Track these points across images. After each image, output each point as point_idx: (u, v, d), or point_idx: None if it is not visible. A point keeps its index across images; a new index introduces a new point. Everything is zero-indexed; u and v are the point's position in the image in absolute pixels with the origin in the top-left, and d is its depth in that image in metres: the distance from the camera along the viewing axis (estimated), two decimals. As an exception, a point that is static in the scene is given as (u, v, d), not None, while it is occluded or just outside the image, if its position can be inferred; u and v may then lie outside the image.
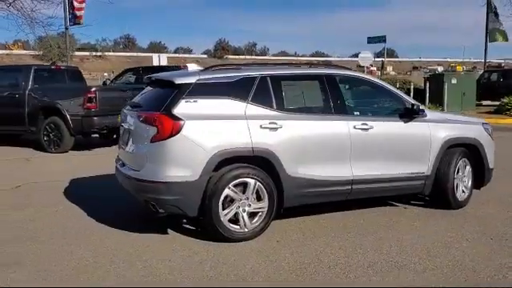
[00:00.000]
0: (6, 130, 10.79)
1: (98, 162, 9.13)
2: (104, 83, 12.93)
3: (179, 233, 4.81)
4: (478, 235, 4.70)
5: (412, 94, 17.71)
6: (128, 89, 10.84)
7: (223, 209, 4.45)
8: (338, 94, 5.03)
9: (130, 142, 4.76)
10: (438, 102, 17.54)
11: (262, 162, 4.57)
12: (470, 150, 5.63)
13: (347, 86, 5.15)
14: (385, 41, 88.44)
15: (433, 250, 4.29)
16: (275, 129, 4.61)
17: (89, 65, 62.31)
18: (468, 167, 5.65)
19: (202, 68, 5.16)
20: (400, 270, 3.88)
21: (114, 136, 11.39)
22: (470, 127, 5.67)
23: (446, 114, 6.32)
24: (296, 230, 4.89)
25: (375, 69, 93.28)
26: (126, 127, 4.93)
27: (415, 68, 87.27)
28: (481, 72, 25.24)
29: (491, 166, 5.78)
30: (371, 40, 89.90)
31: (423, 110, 5.27)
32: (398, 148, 5.21)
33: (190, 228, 4.93)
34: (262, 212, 4.60)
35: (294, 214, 5.09)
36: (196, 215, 4.44)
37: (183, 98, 4.42)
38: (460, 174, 5.54)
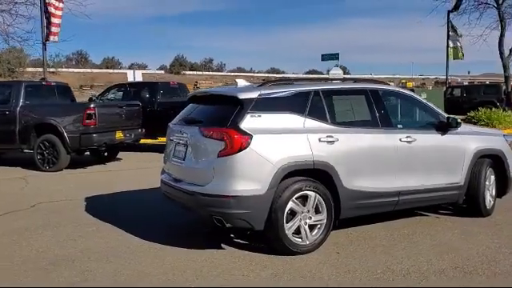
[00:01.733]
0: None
1: (102, 179, 8.93)
2: (90, 99, 12.59)
3: (232, 247, 4.80)
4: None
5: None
6: (124, 105, 10.66)
7: (287, 222, 4.50)
8: (382, 108, 5.22)
9: (190, 157, 4.72)
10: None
11: (320, 175, 4.66)
12: (494, 161, 5.96)
13: (388, 100, 5.36)
14: (338, 58, 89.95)
15: (490, 256, 4.51)
16: (332, 142, 4.72)
17: (42, 81, 60.04)
18: (493, 177, 5.97)
19: (249, 83, 5.22)
20: (472, 275, 4.06)
21: (106, 154, 11.19)
22: (494, 139, 6.03)
23: (473, 127, 6.66)
24: (347, 241, 4.98)
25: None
26: (182, 142, 4.90)
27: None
28: (430, 88, 26.56)
29: (512, 175, 6.14)
30: (325, 57, 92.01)
31: (460, 123, 5.56)
32: (436, 159, 5.45)
33: (240, 242, 4.95)
34: (321, 224, 4.67)
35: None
36: (262, 228, 4.45)
37: (248, 113, 4.46)
38: (487, 183, 5.85)
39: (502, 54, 23.77)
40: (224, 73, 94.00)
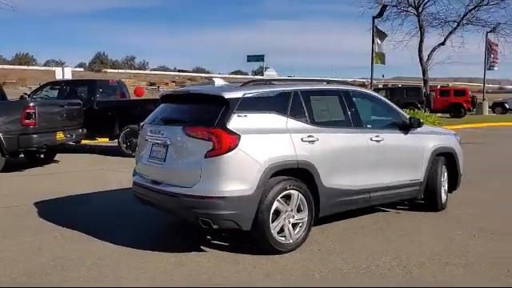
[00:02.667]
0: None
1: (45, 183, 8.36)
2: (21, 97, 11.73)
3: (213, 248, 4.74)
4: (476, 231, 5.37)
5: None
6: (65, 104, 10.07)
7: (272, 221, 4.51)
8: (354, 108, 5.40)
9: (172, 158, 4.58)
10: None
11: (302, 174, 4.73)
12: (447, 158, 6.39)
13: (357, 101, 5.55)
14: (263, 59, 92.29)
15: (458, 247, 4.83)
16: (313, 142, 4.81)
17: None
18: (446, 173, 6.40)
19: (226, 83, 5.15)
20: (448, 265, 4.32)
21: (42, 156, 10.50)
22: (447, 137, 6.46)
23: (429, 126, 7.07)
24: (323, 238, 5.09)
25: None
26: (160, 142, 4.73)
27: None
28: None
29: (461, 172, 6.62)
30: (251, 58, 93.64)
31: (423, 123, 5.90)
32: (401, 158, 5.74)
33: (218, 243, 4.90)
34: (303, 223, 4.74)
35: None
36: (249, 229, 4.43)
37: (235, 113, 4.41)
38: (442, 179, 6.26)
39: (421, 59, 25.54)
40: (147, 71, 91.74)
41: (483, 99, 32.12)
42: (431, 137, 6.15)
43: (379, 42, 25.71)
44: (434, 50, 25.49)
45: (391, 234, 5.29)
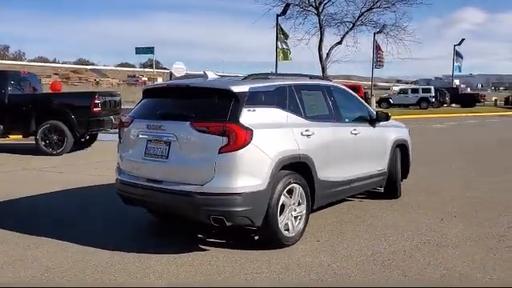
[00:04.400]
0: None
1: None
2: None
3: (210, 246, 4.65)
4: (440, 215, 5.91)
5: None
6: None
7: (279, 215, 4.53)
8: (335, 104, 5.61)
9: (178, 155, 4.34)
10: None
11: (301, 168, 4.80)
12: (401, 149, 6.91)
13: (336, 96, 5.75)
14: (153, 52, 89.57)
15: (432, 230, 5.27)
16: (309, 136, 4.91)
17: None
18: (400, 163, 6.92)
19: (219, 76, 5.00)
20: (440, 247, 4.71)
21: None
22: (402, 130, 6.97)
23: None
24: (315, 230, 5.18)
25: (146, 79, 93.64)
26: (161, 139, 4.46)
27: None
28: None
29: (411, 160, 7.20)
30: (139, 51, 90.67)
31: (390, 117, 6.31)
32: (372, 149, 6.10)
33: (213, 240, 4.83)
34: (302, 215, 4.82)
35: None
36: (261, 224, 4.40)
37: (245, 107, 4.34)
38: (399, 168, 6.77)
39: (321, 57, 26.94)
40: (25, 62, 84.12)
41: (371, 95, 34.87)
42: (391, 129, 6.61)
43: (284, 39, 26.63)
44: (331, 48, 27.08)
45: (371, 221, 5.59)
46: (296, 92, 5.03)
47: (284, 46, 26.68)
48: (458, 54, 41.50)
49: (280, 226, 4.53)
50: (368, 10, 26.81)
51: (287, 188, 4.60)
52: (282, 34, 25.89)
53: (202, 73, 4.90)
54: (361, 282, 3.88)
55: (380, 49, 31.50)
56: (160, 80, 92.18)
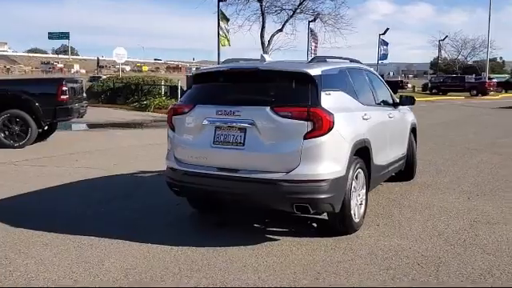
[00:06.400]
0: None
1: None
2: None
3: (274, 235, 4.48)
4: (461, 194, 6.18)
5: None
6: None
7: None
8: (374, 87, 5.62)
9: (257, 142, 4.10)
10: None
11: (363, 153, 4.74)
12: (413, 132, 7.09)
13: (372, 80, 5.75)
14: (68, 37, 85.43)
15: (460, 208, 5.50)
16: (367, 120, 4.87)
17: None
18: (414, 145, 7.10)
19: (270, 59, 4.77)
20: (475, 222, 4.93)
21: None
22: (412, 113, 7.16)
23: None
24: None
25: (62, 65, 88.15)
26: (234, 125, 4.18)
27: (101, 67, 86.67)
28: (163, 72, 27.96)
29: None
30: (53, 36, 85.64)
31: (415, 101, 6.43)
32: (400, 133, 6.21)
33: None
34: (362, 200, 4.80)
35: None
36: (339, 211, 4.29)
37: (323, 91, 4.19)
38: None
39: (263, 44, 26.92)
40: None
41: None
42: (408, 113, 6.77)
43: (225, 25, 26.28)
44: (273, 35, 27.08)
45: (410, 204, 5.68)
46: (351, 76, 4.97)
47: (225, 32, 26.38)
48: (384, 43, 43.49)
49: (352, 211, 4.47)
50: (307, -2, 27.14)
51: (356, 173, 4.53)
52: (224, 20, 25.53)
53: (260, 57, 4.66)
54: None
55: (314, 37, 32.16)
56: (77, 67, 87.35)
